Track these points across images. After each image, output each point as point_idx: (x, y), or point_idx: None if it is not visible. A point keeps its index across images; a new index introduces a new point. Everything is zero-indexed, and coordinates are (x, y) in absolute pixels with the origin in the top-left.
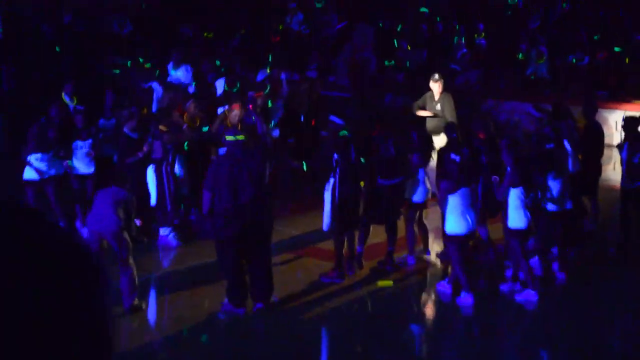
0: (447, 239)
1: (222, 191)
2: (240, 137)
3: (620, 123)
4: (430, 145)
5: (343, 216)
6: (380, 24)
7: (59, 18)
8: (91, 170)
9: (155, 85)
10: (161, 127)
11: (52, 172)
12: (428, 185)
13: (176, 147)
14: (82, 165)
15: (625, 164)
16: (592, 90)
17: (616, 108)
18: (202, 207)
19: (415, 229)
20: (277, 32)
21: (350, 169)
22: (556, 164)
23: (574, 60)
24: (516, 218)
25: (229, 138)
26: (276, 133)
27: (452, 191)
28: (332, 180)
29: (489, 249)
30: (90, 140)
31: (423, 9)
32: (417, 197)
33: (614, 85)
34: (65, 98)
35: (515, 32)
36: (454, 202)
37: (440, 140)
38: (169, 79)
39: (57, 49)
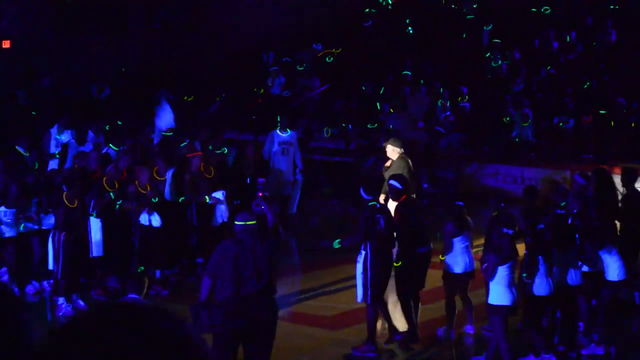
0: (492, 310)
1: (224, 280)
2: (251, 222)
3: None
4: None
5: (376, 287)
6: (363, 87)
7: (36, 82)
8: (12, 234)
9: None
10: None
11: None
12: (470, 256)
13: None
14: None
15: None
16: (578, 154)
17: None
18: (201, 294)
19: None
20: (258, 95)
21: (381, 240)
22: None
23: (560, 124)
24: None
25: (238, 222)
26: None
27: (503, 264)
28: (363, 252)
29: None
30: (13, 210)
31: (405, 72)
32: (458, 268)
33: (599, 148)
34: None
35: (499, 95)
36: (502, 274)
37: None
38: (53, 143)
39: (33, 113)
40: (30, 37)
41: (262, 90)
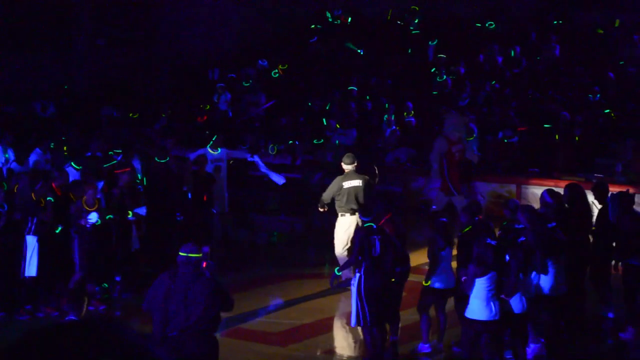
0: (465, 323)
1: (154, 314)
2: (194, 255)
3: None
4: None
5: (372, 310)
6: (309, 103)
7: None
8: None
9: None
10: None
11: None
12: (452, 272)
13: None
14: None
15: None
16: (524, 167)
17: (547, 185)
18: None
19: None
20: (204, 112)
21: (375, 262)
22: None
23: (505, 140)
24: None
25: (181, 253)
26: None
27: (481, 275)
28: (357, 275)
29: None
30: None
31: (351, 88)
32: (441, 284)
33: (545, 162)
34: None
35: (445, 110)
36: (481, 286)
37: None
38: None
39: None
40: None
41: (208, 107)
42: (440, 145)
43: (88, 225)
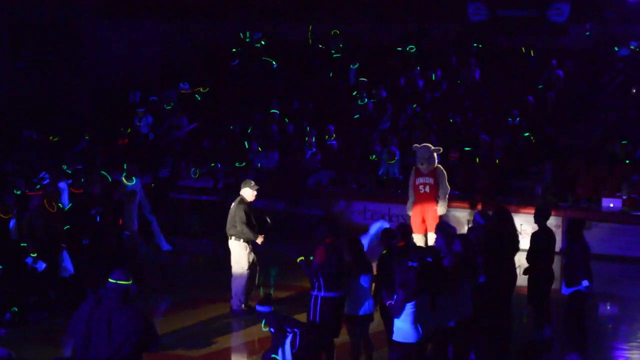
0: (394, 346)
1: (75, 341)
2: (123, 282)
3: (471, 221)
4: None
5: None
6: (231, 126)
7: None
8: None
9: None
10: None
11: None
12: (371, 297)
13: None
14: None
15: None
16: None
17: (467, 208)
18: None
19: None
20: (124, 135)
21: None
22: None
23: None
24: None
25: (110, 280)
26: None
27: (411, 300)
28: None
29: None
30: None
31: (273, 110)
32: (361, 310)
33: (465, 184)
34: None
35: (366, 133)
36: (408, 310)
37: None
38: None
39: None
40: None
41: (129, 130)
42: (410, 178)
43: None
